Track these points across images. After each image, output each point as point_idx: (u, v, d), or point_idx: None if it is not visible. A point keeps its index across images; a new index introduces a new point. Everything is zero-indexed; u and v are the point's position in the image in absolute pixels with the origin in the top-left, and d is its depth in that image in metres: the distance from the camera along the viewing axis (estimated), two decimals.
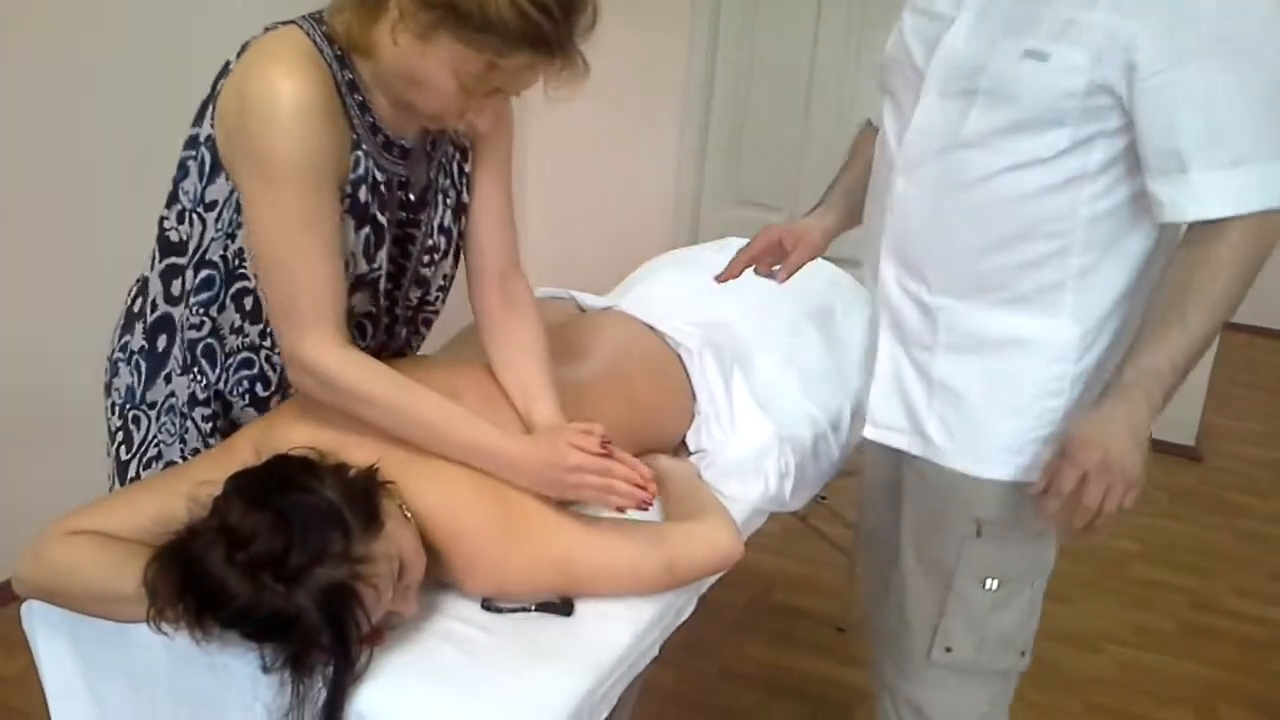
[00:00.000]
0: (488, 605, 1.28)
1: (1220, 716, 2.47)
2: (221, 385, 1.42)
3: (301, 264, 1.23)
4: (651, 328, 1.77)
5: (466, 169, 1.46)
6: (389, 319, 1.48)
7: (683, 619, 1.39)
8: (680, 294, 2.03)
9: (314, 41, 1.24)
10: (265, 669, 1.12)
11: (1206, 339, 1.26)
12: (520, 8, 1.15)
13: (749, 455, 1.66)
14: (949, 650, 1.48)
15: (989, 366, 1.40)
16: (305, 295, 1.24)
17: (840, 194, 1.71)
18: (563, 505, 1.38)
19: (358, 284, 1.36)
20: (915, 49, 1.40)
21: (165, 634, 1.12)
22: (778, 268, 1.76)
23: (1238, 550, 3.29)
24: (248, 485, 1.14)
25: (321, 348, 1.25)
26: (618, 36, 4.41)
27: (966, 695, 1.51)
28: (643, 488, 1.31)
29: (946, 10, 1.36)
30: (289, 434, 1.27)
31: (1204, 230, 1.24)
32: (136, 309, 1.46)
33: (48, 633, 1.30)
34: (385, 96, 1.30)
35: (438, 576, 1.28)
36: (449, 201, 1.44)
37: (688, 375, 1.73)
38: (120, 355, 1.48)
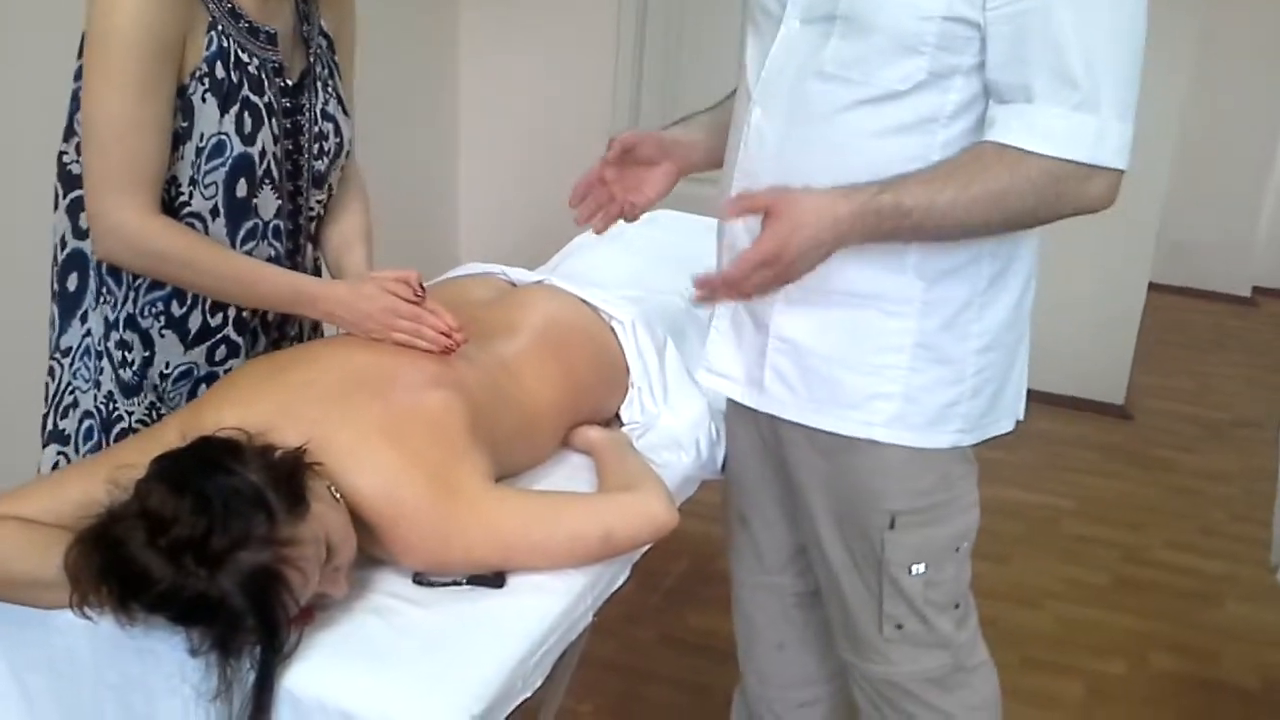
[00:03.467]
0: (419, 579, 1.28)
1: (1151, 665, 2.54)
2: (133, 308, 1.42)
3: (130, 131, 1.29)
4: (584, 301, 1.76)
5: (337, 58, 1.54)
6: (291, 226, 1.50)
7: (615, 587, 1.40)
8: (612, 266, 2.03)
9: None
10: (192, 652, 1.10)
11: (951, 222, 1.21)
12: None
13: (682, 426, 1.67)
14: (900, 628, 1.44)
15: (828, 319, 1.34)
16: (130, 166, 1.30)
17: (709, 114, 1.59)
18: (500, 481, 1.39)
19: (245, 172, 1.39)
20: None
21: (90, 618, 1.12)
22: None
23: (1168, 505, 3.37)
24: (170, 468, 1.13)
25: (138, 213, 1.32)
26: (546, 11, 4.35)
27: (934, 658, 1.46)
28: (449, 334, 1.41)
29: None
30: (218, 416, 1.25)
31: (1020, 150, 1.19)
32: (55, 261, 1.47)
33: None
34: None
35: (371, 553, 1.28)
36: (329, 89, 1.51)
37: (621, 348, 1.74)
38: (50, 315, 1.49)
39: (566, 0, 4.05)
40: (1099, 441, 3.74)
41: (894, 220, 1.21)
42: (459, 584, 1.27)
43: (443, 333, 1.41)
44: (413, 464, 1.27)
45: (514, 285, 1.85)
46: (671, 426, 1.68)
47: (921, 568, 1.41)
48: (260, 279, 1.41)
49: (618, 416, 1.73)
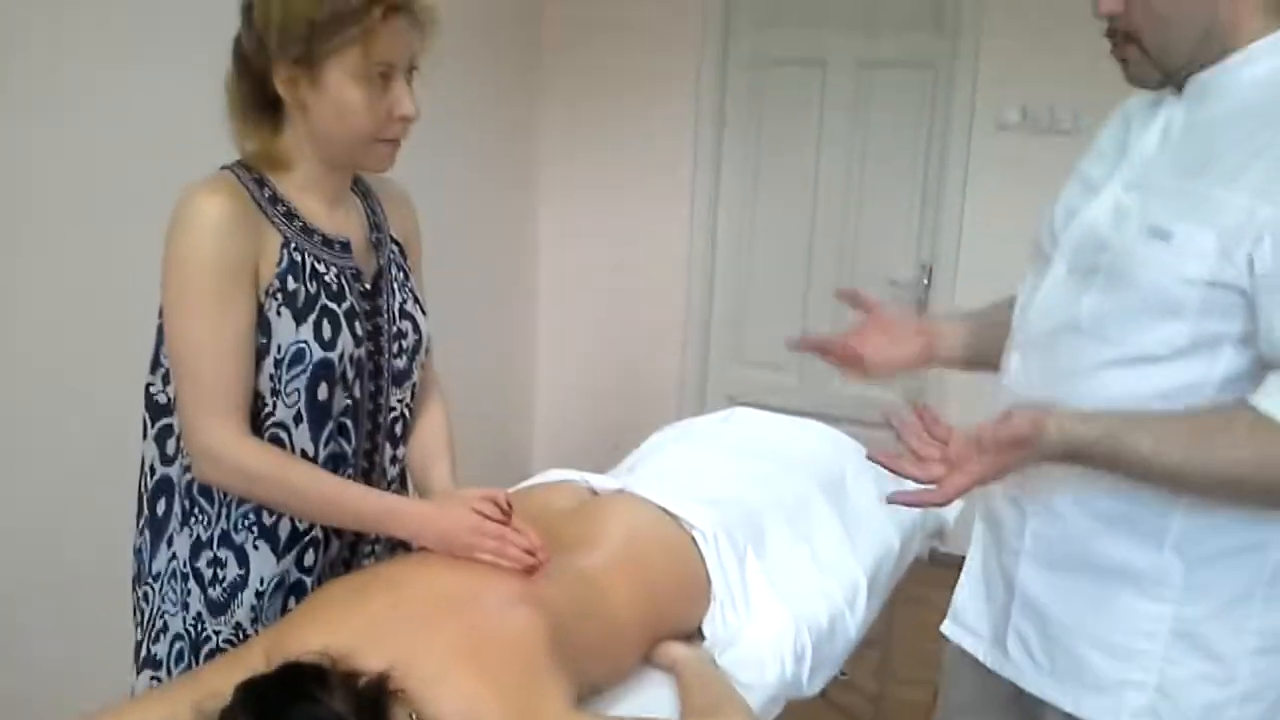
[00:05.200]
0: None
1: None
2: (227, 524, 1.45)
3: (212, 356, 1.35)
4: (665, 510, 1.75)
5: (409, 261, 1.60)
6: (371, 425, 1.53)
7: None
8: (690, 469, 2.03)
9: (234, 173, 1.41)
10: None
11: (1173, 483, 1.14)
12: None
13: (765, 641, 1.63)
14: None
15: (1076, 588, 1.25)
16: (215, 391, 1.36)
17: (973, 317, 1.53)
18: (582, 699, 1.35)
19: (325, 376, 1.43)
20: (1059, 216, 1.30)
21: None
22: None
23: None
24: (254, 697, 1.11)
25: (232, 439, 1.37)
26: (620, 207, 4.53)
27: None
28: (532, 553, 1.42)
29: (1098, 178, 1.26)
30: (302, 638, 1.24)
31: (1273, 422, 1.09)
32: (143, 488, 1.51)
33: None
34: (315, 194, 1.46)
35: None
36: (406, 289, 1.57)
37: (703, 558, 1.72)
38: (138, 540, 1.52)
39: (640, 201, 4.20)
40: None
41: (1104, 463, 1.16)
42: None
43: (526, 550, 1.42)
44: (495, 692, 1.24)
45: (594, 493, 1.86)
46: (755, 641, 1.64)
47: None
48: (350, 499, 1.43)
49: (700, 630, 1.69)
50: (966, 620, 1.42)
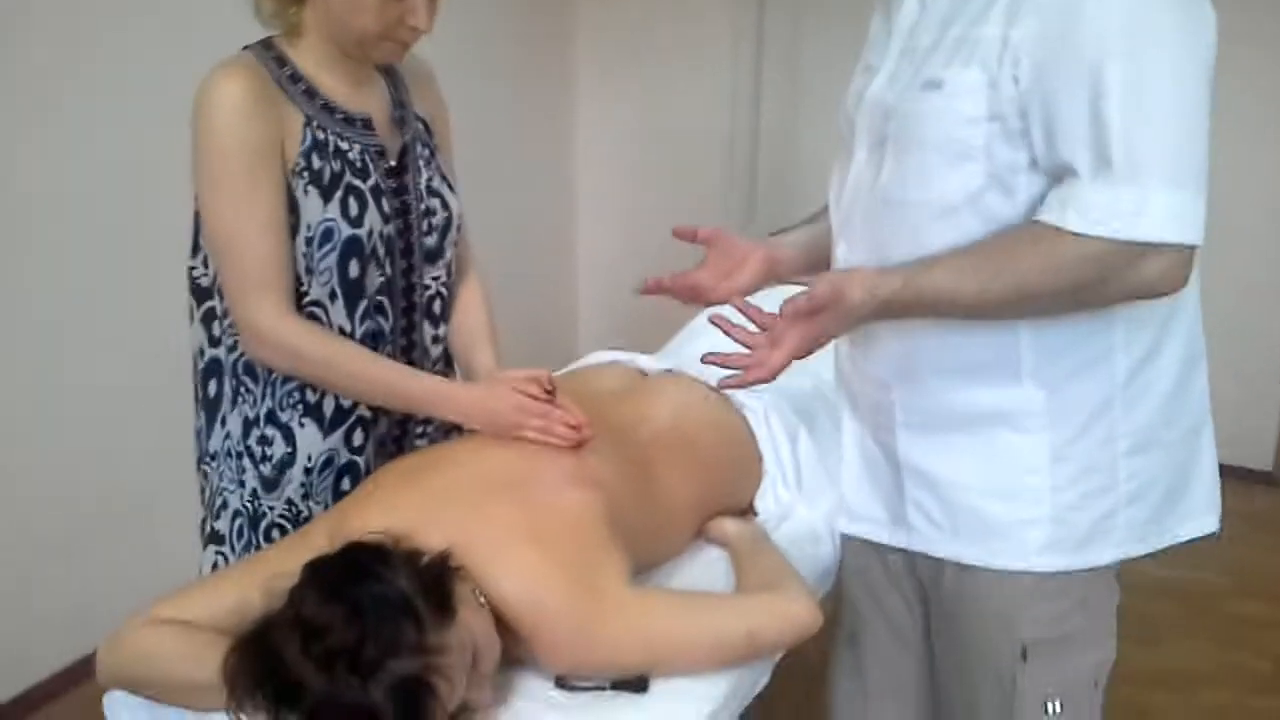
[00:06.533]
0: (561, 683, 1.27)
1: None
2: (272, 402, 1.48)
3: (246, 241, 1.38)
4: (715, 389, 1.75)
5: (435, 138, 1.59)
6: (406, 303, 1.55)
7: (758, 689, 1.37)
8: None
9: (254, 53, 1.42)
10: None
11: (983, 310, 1.17)
12: None
13: (819, 517, 1.63)
14: None
15: (955, 444, 1.28)
16: (254, 270, 1.38)
17: (806, 226, 1.56)
18: (637, 576, 1.37)
19: (356, 254, 1.45)
20: (851, 105, 1.34)
21: None
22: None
23: None
24: (322, 576, 1.14)
25: (275, 317, 1.40)
26: (660, 95, 4.42)
27: None
28: (577, 428, 1.44)
29: (876, 61, 1.30)
30: (363, 519, 1.27)
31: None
32: (196, 370, 1.55)
33: None
34: (336, 72, 1.45)
35: (514, 655, 1.27)
36: (432, 166, 1.56)
37: (753, 436, 1.72)
38: (196, 422, 1.56)
39: (680, 88, 4.12)
40: (1247, 510, 3.53)
41: (917, 309, 1.20)
42: (602, 689, 1.26)
43: (571, 426, 1.43)
44: (556, 567, 1.27)
45: (643, 374, 1.85)
46: (808, 517, 1.65)
47: (1058, 705, 1.30)
48: (396, 381, 1.45)
49: (752, 506, 1.70)
50: (860, 511, 1.43)
